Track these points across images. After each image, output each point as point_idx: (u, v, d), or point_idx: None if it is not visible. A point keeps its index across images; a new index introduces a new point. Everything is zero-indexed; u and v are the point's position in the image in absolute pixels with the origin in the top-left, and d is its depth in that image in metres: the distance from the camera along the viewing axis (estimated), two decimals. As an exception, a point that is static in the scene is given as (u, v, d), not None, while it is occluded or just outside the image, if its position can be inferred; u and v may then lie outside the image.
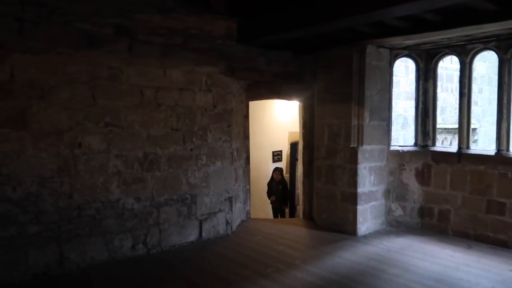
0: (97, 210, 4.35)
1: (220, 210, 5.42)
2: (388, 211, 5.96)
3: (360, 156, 5.52)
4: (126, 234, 4.58)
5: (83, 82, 4.26)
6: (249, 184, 6.33)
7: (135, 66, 4.59)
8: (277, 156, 8.67)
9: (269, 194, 7.80)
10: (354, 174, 5.52)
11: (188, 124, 5.05)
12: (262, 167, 8.23)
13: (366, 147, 5.59)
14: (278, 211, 7.83)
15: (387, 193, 5.94)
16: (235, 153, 5.69)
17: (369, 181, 5.66)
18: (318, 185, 6.02)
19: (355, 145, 5.55)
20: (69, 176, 4.17)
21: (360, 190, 5.53)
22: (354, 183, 5.52)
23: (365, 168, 5.59)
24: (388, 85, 5.84)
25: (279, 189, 7.68)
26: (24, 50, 3.92)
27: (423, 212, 5.85)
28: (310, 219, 6.34)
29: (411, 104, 8.08)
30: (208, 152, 5.25)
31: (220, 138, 5.38)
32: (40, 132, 4.02)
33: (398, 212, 5.95)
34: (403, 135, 8.58)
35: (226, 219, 5.50)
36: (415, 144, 6.05)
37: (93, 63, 4.32)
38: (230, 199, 5.53)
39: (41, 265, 4.04)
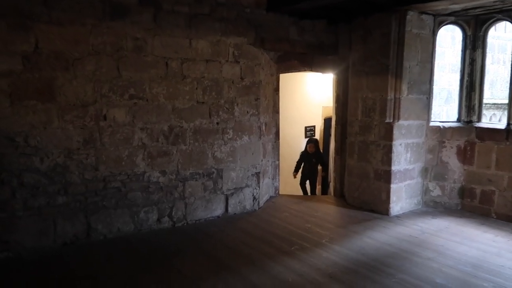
0: (122, 183, 4.37)
1: (247, 186, 5.32)
2: (425, 191, 5.62)
3: (396, 132, 5.18)
4: (152, 207, 4.59)
5: (108, 54, 4.20)
6: (278, 159, 6.17)
7: (160, 37, 4.47)
8: (309, 131, 8.42)
9: (298, 167, 7.40)
10: (388, 151, 5.20)
11: (214, 97, 4.91)
12: (294, 143, 8.02)
13: (402, 122, 5.23)
14: (306, 181, 7.54)
15: (425, 172, 5.58)
16: (263, 128, 5.52)
17: (405, 158, 5.32)
18: (350, 162, 5.75)
19: (391, 120, 5.21)
20: (94, 148, 4.19)
21: (394, 168, 5.22)
22: (388, 161, 5.21)
23: (401, 145, 5.25)
24: (430, 56, 5.39)
25: (312, 163, 7.38)
26: (48, 21, 3.88)
27: (464, 192, 5.47)
28: (341, 197, 6.12)
29: (456, 77, 7.50)
30: (235, 126, 5.12)
31: (247, 112, 5.22)
32: (66, 104, 4.02)
33: (436, 192, 5.59)
34: (446, 110, 8.02)
35: (253, 194, 5.40)
36: (458, 120, 5.61)
37: (118, 34, 4.24)
38: (257, 175, 5.41)
39: (70, 235, 4.14)
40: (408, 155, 5.36)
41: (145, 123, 4.46)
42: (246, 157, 5.27)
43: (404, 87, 5.18)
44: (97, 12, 4.10)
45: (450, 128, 5.48)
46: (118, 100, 4.28)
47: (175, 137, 4.66)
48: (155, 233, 4.55)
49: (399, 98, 5.17)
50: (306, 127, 8.35)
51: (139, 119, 4.42)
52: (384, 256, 3.99)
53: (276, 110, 6.05)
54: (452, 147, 5.48)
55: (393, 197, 5.25)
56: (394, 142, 5.17)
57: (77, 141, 4.10)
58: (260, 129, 5.38)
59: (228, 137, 5.08)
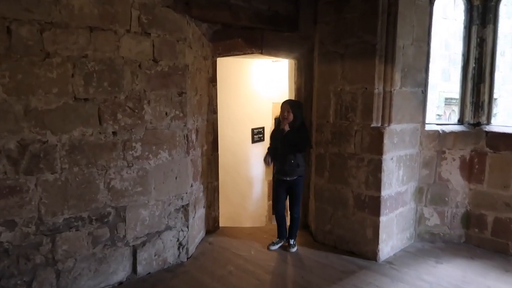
0: None
1: (168, 228, 3.44)
2: (419, 219, 4.11)
3: (387, 141, 3.58)
4: (-12, 287, 2.57)
5: None
6: (217, 179, 4.35)
7: (-5, -20, 2.44)
8: (258, 134, 6.68)
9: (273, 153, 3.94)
10: (376, 169, 3.59)
11: (108, 89, 2.97)
12: (239, 150, 6.24)
13: (395, 126, 3.65)
14: (285, 187, 3.88)
15: (419, 193, 4.07)
16: (193, 136, 3.66)
17: (397, 178, 3.76)
18: (319, 183, 4.08)
19: (379, 124, 3.61)
20: None
21: (385, 192, 3.63)
22: (376, 183, 3.61)
23: (392, 159, 3.67)
24: (426, 33, 3.86)
25: (293, 143, 3.74)
26: None
27: (469, 220, 4.04)
28: (305, 228, 4.45)
29: (436, 67, 6.07)
30: (145, 136, 3.21)
31: (166, 114, 3.33)
32: None
33: (433, 220, 4.11)
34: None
35: (178, 239, 3.53)
36: (460, 121, 4.16)
37: None
38: (185, 208, 3.55)
39: None
40: (401, 172, 3.80)
41: (-34, 137, 2.42)
42: (166, 184, 3.39)
43: (397, 77, 3.60)
44: None
45: (451, 133, 4.01)
46: None
47: (32, 161, 2.66)
48: (-4, 333, 2.54)
49: (391, 91, 3.58)
50: (253, 129, 6.60)
51: (-49, 130, 2.37)
52: None
53: (212, 109, 4.22)
54: (454, 159, 4.02)
55: (382, 235, 3.66)
56: (384, 156, 3.57)
57: None
58: (187, 139, 3.51)
59: (135, 154, 3.16)
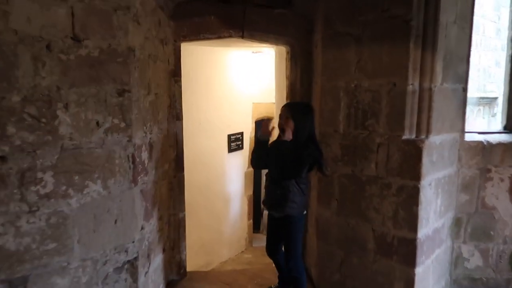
0: None
1: (105, 299, 2.25)
2: (456, 260, 3.09)
3: (425, 159, 2.51)
4: None
5: None
6: (183, 209, 3.19)
7: None
8: (235, 141, 5.52)
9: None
10: (411, 200, 2.52)
11: (-13, 85, 1.75)
12: (213, 162, 5.07)
13: (434, 138, 2.59)
14: (273, 224, 2.76)
15: (456, 226, 3.04)
16: (143, 156, 2.47)
17: (434, 210, 2.70)
18: (324, 214, 2.97)
19: (413, 135, 2.54)
20: None
21: (422, 233, 2.57)
22: (410, 219, 2.54)
23: (430, 184, 2.61)
24: (470, 9, 2.83)
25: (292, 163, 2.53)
26: None
27: (521, 260, 3.05)
28: (302, 271, 3.33)
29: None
30: (61, 161, 1.99)
31: (97, 124, 2.12)
32: None
33: (474, 261, 3.09)
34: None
35: (121, 313, 2.34)
36: (508, 129, 3.16)
37: None
38: (131, 264, 2.36)
39: None
40: (439, 201, 2.75)
41: None
42: (99, 233, 2.19)
43: (439, 67, 2.54)
44: None
45: (499, 145, 2.99)
46: None
47: None
48: None
49: (431, 88, 2.51)
50: (230, 136, 5.44)
51: None
52: None
53: (175, 114, 3.05)
54: (502, 180, 3.01)
55: (418, 292, 2.60)
56: (422, 182, 2.50)
57: None
58: (134, 161, 2.32)
59: (42, 191, 1.94)
